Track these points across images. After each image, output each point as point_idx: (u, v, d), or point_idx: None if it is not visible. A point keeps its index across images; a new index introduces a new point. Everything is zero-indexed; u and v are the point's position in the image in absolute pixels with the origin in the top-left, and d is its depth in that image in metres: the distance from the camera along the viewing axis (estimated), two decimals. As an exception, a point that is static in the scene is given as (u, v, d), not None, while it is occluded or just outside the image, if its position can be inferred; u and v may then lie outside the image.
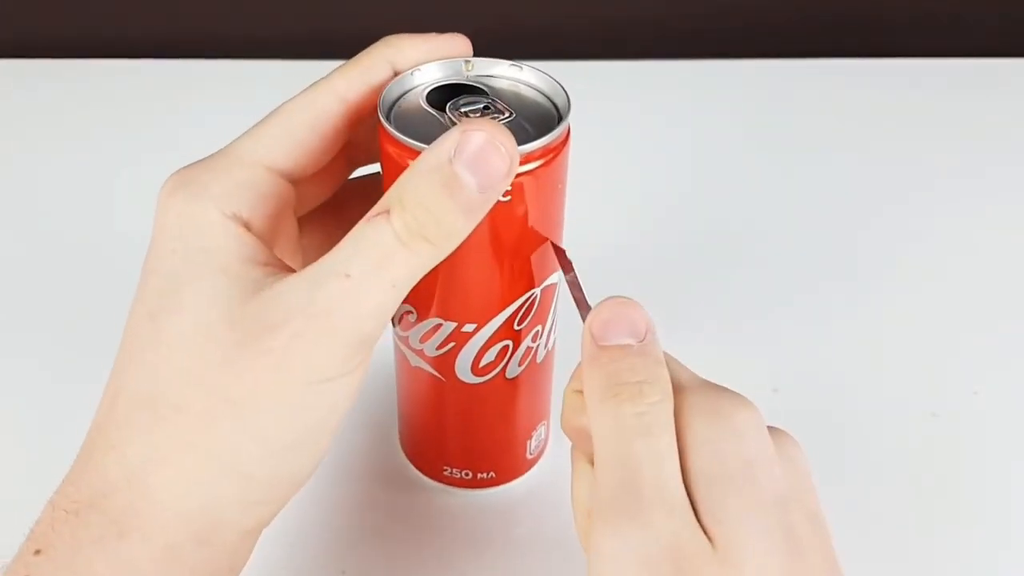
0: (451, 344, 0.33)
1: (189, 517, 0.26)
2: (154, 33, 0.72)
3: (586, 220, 0.55)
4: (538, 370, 0.36)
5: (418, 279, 0.27)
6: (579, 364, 0.29)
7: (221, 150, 0.29)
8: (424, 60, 0.31)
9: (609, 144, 0.62)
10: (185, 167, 0.29)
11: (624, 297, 0.29)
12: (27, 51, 0.69)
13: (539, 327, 0.35)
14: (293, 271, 0.27)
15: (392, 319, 0.34)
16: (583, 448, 0.29)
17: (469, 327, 0.33)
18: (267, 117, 0.30)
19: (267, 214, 0.29)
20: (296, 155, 0.29)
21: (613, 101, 0.66)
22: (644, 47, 0.72)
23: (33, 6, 0.71)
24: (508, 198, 0.29)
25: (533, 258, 0.32)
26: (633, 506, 0.25)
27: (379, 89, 0.30)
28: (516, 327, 0.33)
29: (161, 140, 0.61)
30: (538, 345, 0.35)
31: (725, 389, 0.28)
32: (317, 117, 0.30)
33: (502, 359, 0.34)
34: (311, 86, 0.30)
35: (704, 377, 0.29)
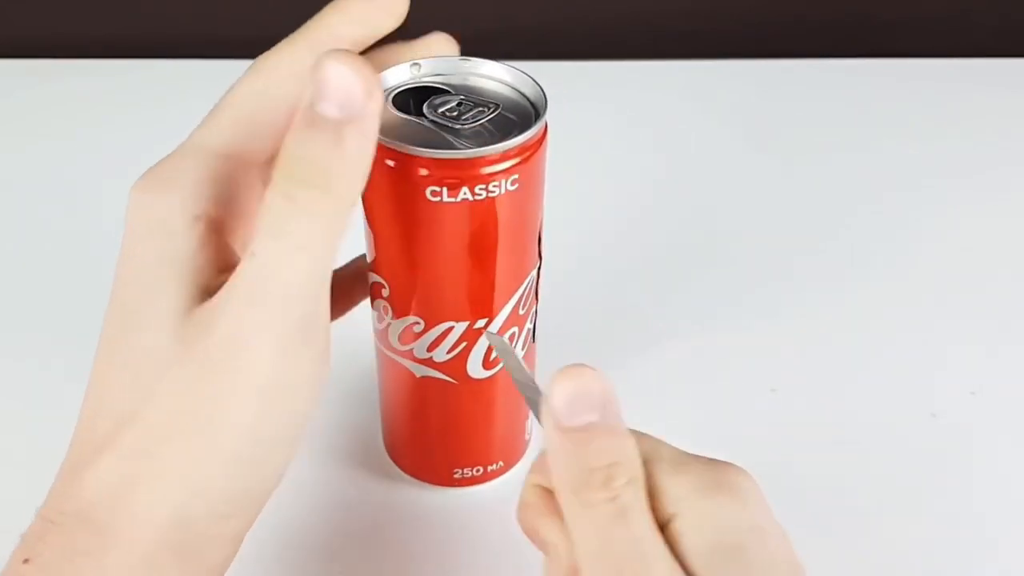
0: (463, 344, 0.33)
1: (165, 531, 0.26)
2: (154, 33, 0.72)
3: (584, 219, 0.55)
4: (533, 348, 0.37)
5: (334, 237, 0.26)
6: (540, 453, 0.27)
7: (182, 145, 0.29)
8: (366, 23, 0.30)
9: (608, 144, 0.62)
10: (152, 167, 0.28)
11: (578, 364, 0.26)
12: (27, 51, 0.69)
13: (535, 307, 0.35)
14: None
15: (390, 339, 0.34)
16: (544, 548, 0.27)
17: (481, 323, 0.33)
18: (220, 103, 0.29)
19: (234, 206, 0.28)
20: (254, 138, 0.29)
21: (610, 101, 0.66)
22: (641, 47, 0.72)
23: (33, 6, 0.71)
24: (515, 186, 0.29)
25: (530, 242, 0.33)
26: None
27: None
28: (520, 312, 0.34)
29: (162, 141, 0.60)
30: (534, 324, 0.36)
31: (712, 462, 0.27)
32: (270, 96, 0.29)
33: (524, 325, 0.34)
34: (257, 66, 0.29)
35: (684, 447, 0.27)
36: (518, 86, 0.32)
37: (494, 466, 0.38)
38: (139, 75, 0.68)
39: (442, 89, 0.32)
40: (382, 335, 0.35)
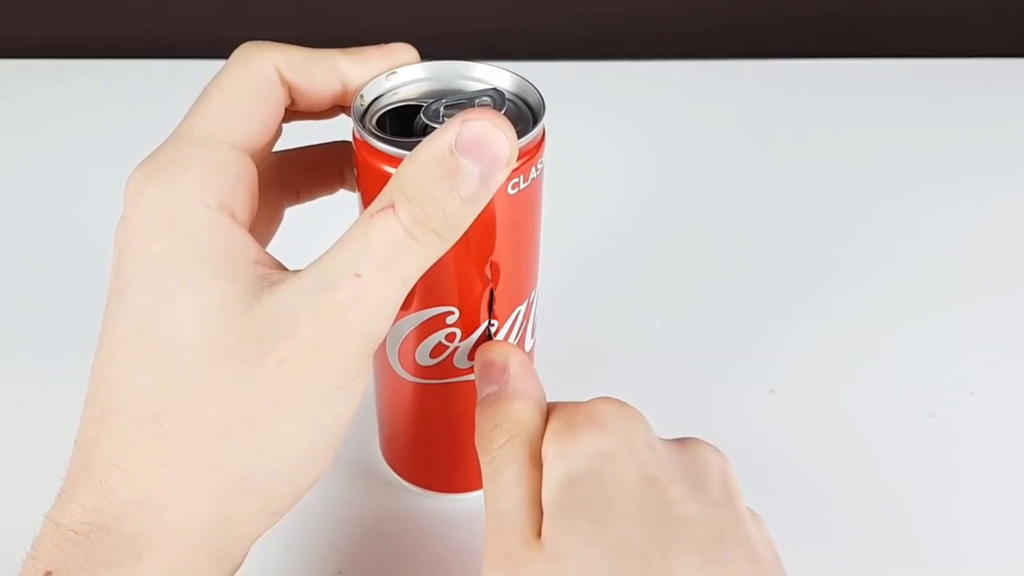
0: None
1: (206, 536, 0.25)
2: (154, 33, 0.72)
3: (583, 220, 0.55)
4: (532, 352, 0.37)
5: (423, 273, 0.26)
6: None
7: (175, 133, 0.27)
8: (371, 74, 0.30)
9: (607, 144, 0.62)
10: (148, 157, 0.27)
11: (490, 344, 0.31)
12: (27, 51, 0.69)
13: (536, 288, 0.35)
14: (283, 267, 0.27)
15: (456, 363, 0.33)
16: None
17: (519, 308, 0.33)
18: (206, 93, 0.28)
19: (244, 196, 0.27)
20: (249, 127, 0.28)
21: (609, 101, 0.66)
22: (640, 47, 0.72)
23: (33, 6, 0.71)
24: (536, 175, 0.29)
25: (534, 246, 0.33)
26: (487, 548, 0.27)
27: (317, 81, 0.29)
28: (533, 297, 0.34)
29: (162, 140, 0.60)
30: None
31: (597, 400, 0.29)
32: (258, 84, 0.28)
33: (525, 332, 0.34)
34: (245, 53, 0.28)
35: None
36: (516, 90, 0.31)
37: None
38: (139, 75, 0.68)
39: (436, 97, 0.31)
40: (440, 368, 0.33)
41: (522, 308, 0.33)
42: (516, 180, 0.29)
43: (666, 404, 0.39)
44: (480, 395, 0.30)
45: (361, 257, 0.25)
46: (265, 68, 0.28)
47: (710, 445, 0.29)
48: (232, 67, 0.28)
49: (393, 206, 0.25)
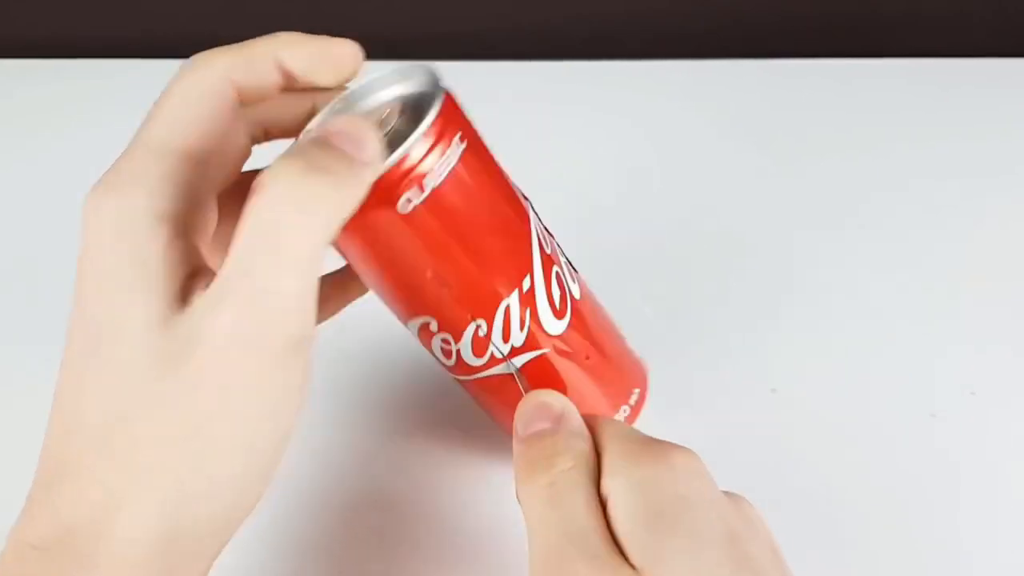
0: (527, 311, 0.33)
1: (152, 553, 0.25)
2: (154, 33, 0.72)
3: (583, 220, 0.55)
4: (581, 279, 0.36)
5: (323, 250, 0.26)
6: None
7: (130, 145, 0.28)
8: (311, 61, 0.30)
9: (607, 144, 0.62)
10: (106, 171, 0.28)
11: (542, 390, 0.31)
12: (27, 51, 0.69)
13: (555, 241, 0.34)
14: (214, 275, 0.27)
15: (467, 361, 0.34)
16: None
17: (525, 281, 0.32)
18: (159, 101, 0.29)
19: (190, 203, 0.28)
20: (198, 133, 0.28)
21: (610, 101, 0.66)
22: (640, 47, 0.72)
23: (33, 6, 0.71)
24: (436, 185, 0.29)
25: (509, 199, 0.32)
26: (556, 569, 0.26)
27: (262, 78, 0.30)
28: (547, 252, 0.33)
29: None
30: (567, 258, 0.35)
31: (658, 441, 0.29)
32: (208, 94, 0.29)
33: (538, 317, 0.33)
34: (195, 63, 0.29)
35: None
36: (406, 78, 0.31)
37: (634, 398, 0.38)
38: (139, 75, 0.68)
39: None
40: (459, 367, 0.34)
41: (510, 300, 0.32)
42: (408, 196, 0.28)
43: (666, 404, 0.39)
44: (528, 430, 0.30)
45: (238, 250, 0.25)
46: (210, 73, 0.29)
47: (750, 503, 0.29)
48: (182, 75, 0.29)
49: (264, 185, 0.25)
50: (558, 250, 0.35)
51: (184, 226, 0.27)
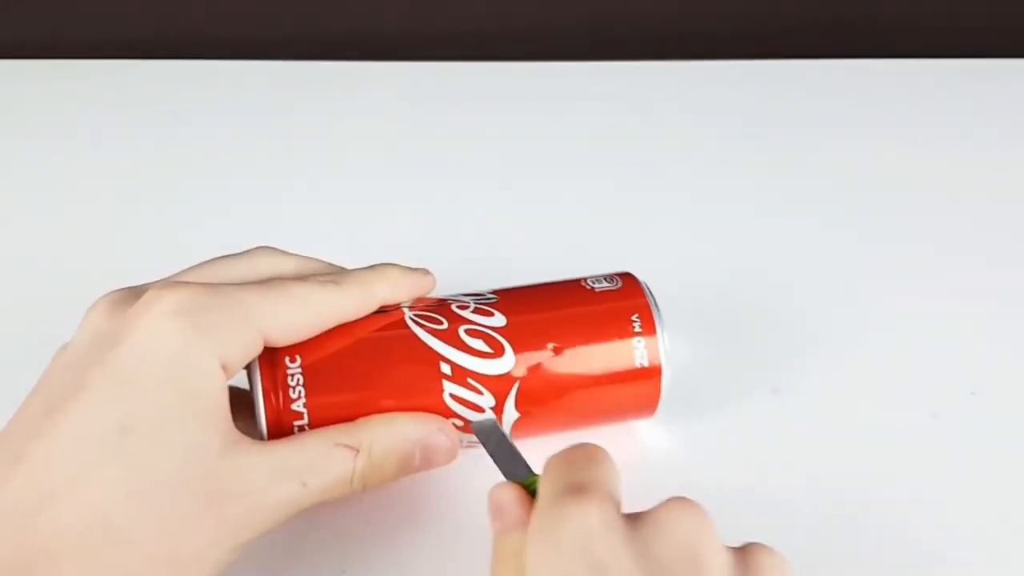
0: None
1: None
2: (154, 33, 0.72)
3: (582, 220, 0.55)
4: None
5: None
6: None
7: (234, 299, 0.31)
8: (408, 294, 0.35)
9: (607, 144, 0.62)
10: (187, 294, 0.30)
11: (497, 486, 0.31)
12: (27, 51, 0.69)
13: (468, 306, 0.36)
14: (239, 432, 0.31)
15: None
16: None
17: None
18: (287, 292, 0.32)
19: (241, 368, 0.32)
20: (292, 339, 0.32)
21: (610, 101, 0.66)
22: (640, 47, 0.72)
23: (33, 6, 0.71)
24: None
25: None
26: None
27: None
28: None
29: (161, 141, 0.61)
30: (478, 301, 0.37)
31: (571, 489, 0.28)
32: (326, 321, 0.33)
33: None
34: (332, 292, 0.33)
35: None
36: None
37: (637, 325, 0.38)
38: (139, 75, 0.68)
39: None
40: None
41: (447, 391, 0.34)
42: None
43: (667, 403, 0.39)
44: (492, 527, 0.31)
45: (311, 473, 0.31)
46: (337, 311, 0.33)
47: (769, 549, 0.28)
48: (321, 295, 0.33)
49: (358, 450, 0.32)
50: (459, 302, 0.36)
51: (229, 379, 0.31)
